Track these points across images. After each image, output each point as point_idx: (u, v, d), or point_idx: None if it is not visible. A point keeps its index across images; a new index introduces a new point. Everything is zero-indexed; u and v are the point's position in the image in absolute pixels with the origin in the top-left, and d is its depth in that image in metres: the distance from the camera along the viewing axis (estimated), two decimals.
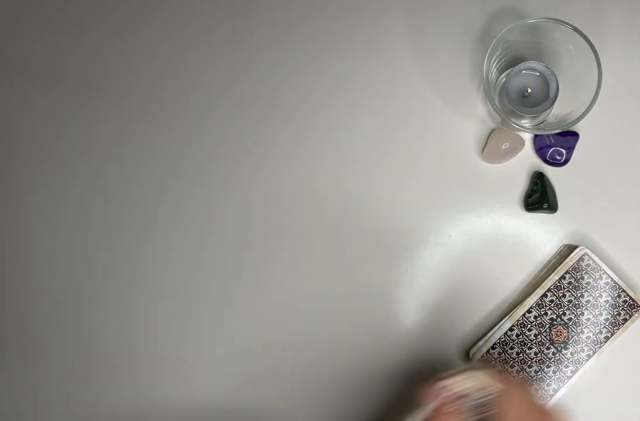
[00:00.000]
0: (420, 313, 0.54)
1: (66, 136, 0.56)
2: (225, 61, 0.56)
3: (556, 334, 0.51)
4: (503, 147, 0.53)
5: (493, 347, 0.51)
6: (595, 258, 0.51)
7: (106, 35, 0.56)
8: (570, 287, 0.51)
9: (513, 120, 0.49)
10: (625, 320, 0.51)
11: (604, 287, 0.51)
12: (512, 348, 0.51)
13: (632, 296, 0.51)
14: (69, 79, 0.56)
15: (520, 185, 0.54)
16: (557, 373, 0.51)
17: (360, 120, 0.55)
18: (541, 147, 0.54)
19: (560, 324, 0.51)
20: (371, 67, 0.55)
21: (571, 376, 0.51)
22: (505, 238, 0.54)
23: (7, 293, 0.56)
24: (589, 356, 0.51)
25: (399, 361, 0.54)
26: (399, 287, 0.54)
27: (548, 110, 0.52)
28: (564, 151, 0.54)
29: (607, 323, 0.51)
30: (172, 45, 0.56)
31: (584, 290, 0.51)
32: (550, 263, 0.53)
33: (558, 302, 0.51)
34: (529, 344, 0.51)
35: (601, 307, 0.51)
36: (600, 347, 0.51)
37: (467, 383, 0.43)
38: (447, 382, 0.43)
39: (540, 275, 0.53)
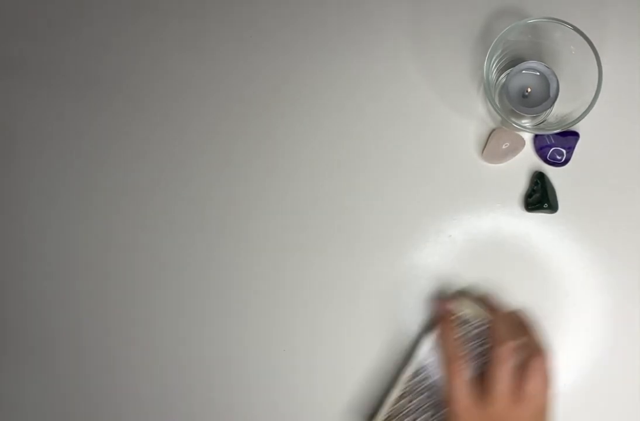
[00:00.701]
0: (420, 313, 0.54)
1: (66, 135, 0.56)
2: (224, 61, 0.56)
3: None
4: (503, 147, 0.53)
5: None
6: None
7: (107, 35, 0.56)
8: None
9: (513, 120, 0.49)
10: None
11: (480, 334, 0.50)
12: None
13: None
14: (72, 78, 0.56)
15: (521, 185, 0.54)
16: None
17: (359, 120, 0.55)
18: (541, 147, 0.54)
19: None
20: (371, 67, 0.55)
21: None
22: (505, 238, 0.54)
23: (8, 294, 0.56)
24: None
25: (398, 362, 0.54)
26: (399, 287, 0.54)
27: (548, 110, 0.52)
28: (564, 151, 0.54)
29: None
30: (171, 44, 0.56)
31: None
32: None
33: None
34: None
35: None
36: None
37: (466, 309, 0.50)
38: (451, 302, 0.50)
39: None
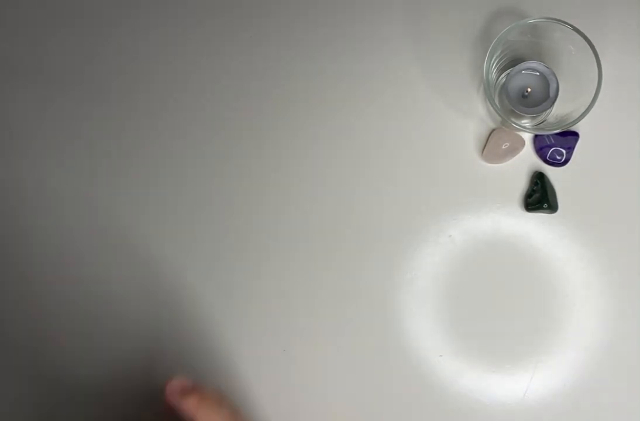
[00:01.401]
0: (419, 313, 0.54)
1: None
2: (223, 60, 0.56)
3: None
4: (503, 147, 0.53)
5: None
6: None
7: (110, 35, 0.57)
8: None
9: (513, 120, 0.49)
10: None
11: None
12: None
13: None
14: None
15: (520, 185, 0.54)
16: None
17: (359, 120, 0.55)
18: (541, 147, 0.54)
19: None
20: (370, 68, 0.55)
21: None
22: (505, 238, 0.54)
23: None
24: None
25: (397, 362, 0.54)
26: (399, 287, 0.54)
27: (548, 110, 0.52)
28: (564, 151, 0.54)
29: None
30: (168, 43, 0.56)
31: None
32: None
33: None
34: None
35: None
36: None
37: None
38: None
39: None
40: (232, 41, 0.56)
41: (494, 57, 0.49)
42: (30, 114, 0.56)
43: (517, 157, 0.54)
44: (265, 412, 0.54)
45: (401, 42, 0.55)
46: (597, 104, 0.47)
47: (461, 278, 0.54)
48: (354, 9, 0.56)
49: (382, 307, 0.54)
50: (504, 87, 0.52)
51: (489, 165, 0.54)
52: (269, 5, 0.56)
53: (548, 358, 0.53)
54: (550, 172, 0.54)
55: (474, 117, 0.54)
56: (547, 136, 0.53)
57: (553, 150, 0.54)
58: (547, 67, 0.51)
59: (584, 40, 0.47)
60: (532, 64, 0.51)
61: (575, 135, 0.54)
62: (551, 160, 0.54)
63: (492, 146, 0.53)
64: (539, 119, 0.53)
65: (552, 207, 0.53)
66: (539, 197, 0.53)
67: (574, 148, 0.54)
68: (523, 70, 0.51)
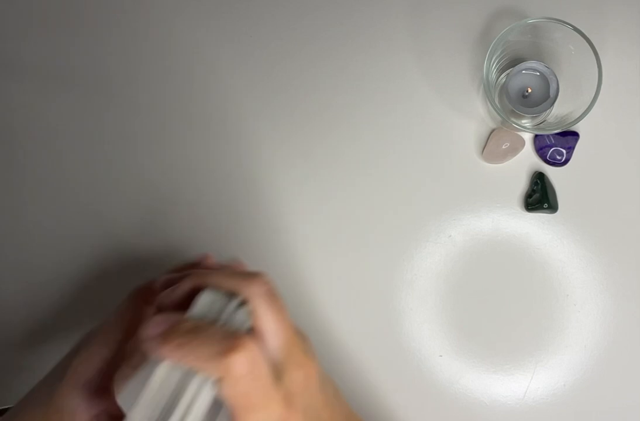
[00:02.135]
0: (419, 313, 0.54)
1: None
2: (222, 60, 0.56)
3: None
4: (503, 147, 0.53)
5: None
6: None
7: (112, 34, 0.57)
8: None
9: (513, 120, 0.49)
10: None
11: None
12: None
13: None
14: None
15: (520, 185, 0.54)
16: None
17: (359, 120, 0.55)
18: (541, 147, 0.54)
19: None
20: (370, 68, 0.55)
21: None
22: (505, 238, 0.54)
23: None
24: None
25: (397, 362, 0.54)
26: (399, 287, 0.54)
27: (548, 110, 0.52)
28: (564, 151, 0.54)
29: None
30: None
31: None
32: None
33: None
34: None
35: None
36: None
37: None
38: None
39: None
40: (232, 42, 0.56)
41: (494, 57, 0.49)
42: None
43: (517, 157, 0.54)
44: None
45: (401, 42, 0.55)
46: (597, 104, 0.47)
47: (461, 278, 0.54)
48: (355, 8, 0.56)
49: (382, 307, 0.54)
50: (504, 87, 0.52)
51: (489, 165, 0.54)
52: (268, 5, 0.56)
53: (548, 358, 0.53)
54: (550, 172, 0.54)
55: (474, 117, 0.54)
56: (547, 136, 0.53)
57: (553, 150, 0.54)
58: (547, 67, 0.51)
59: (584, 40, 0.47)
60: (532, 64, 0.51)
61: (575, 135, 0.54)
62: (551, 160, 0.54)
63: (492, 146, 0.53)
64: (539, 119, 0.53)
65: (552, 207, 0.53)
66: (539, 197, 0.53)
67: (574, 148, 0.54)
68: (523, 70, 0.51)
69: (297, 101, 0.56)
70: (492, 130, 0.54)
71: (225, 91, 0.56)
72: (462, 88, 0.55)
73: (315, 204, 0.55)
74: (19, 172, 0.56)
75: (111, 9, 0.57)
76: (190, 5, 0.56)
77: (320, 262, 0.55)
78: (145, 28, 0.57)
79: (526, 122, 0.53)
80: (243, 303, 0.34)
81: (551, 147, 0.53)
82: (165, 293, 0.35)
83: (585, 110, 0.47)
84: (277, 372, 0.33)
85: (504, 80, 0.52)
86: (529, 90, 0.51)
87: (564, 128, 0.48)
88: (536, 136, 0.54)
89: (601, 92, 0.47)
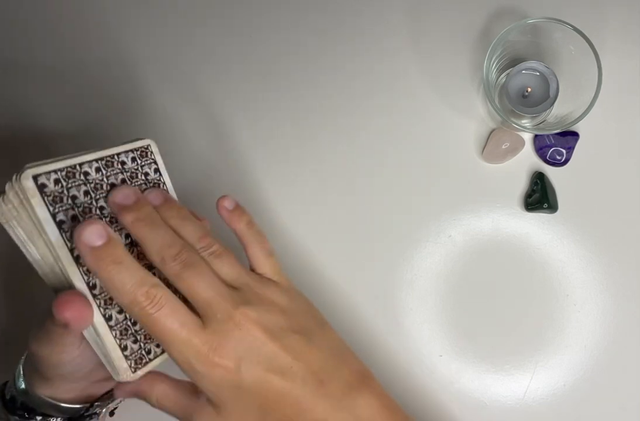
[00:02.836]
0: (419, 313, 0.54)
1: None
2: (222, 60, 0.56)
3: None
4: (503, 147, 0.53)
5: None
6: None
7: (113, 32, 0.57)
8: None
9: (513, 120, 0.49)
10: None
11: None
12: None
13: None
14: None
15: (520, 185, 0.54)
16: None
17: (358, 120, 0.55)
18: (541, 147, 0.54)
19: None
20: (370, 68, 0.55)
21: None
22: (505, 238, 0.54)
23: None
24: None
25: (397, 362, 0.54)
26: (399, 287, 0.54)
27: (548, 110, 0.52)
28: (564, 151, 0.54)
29: None
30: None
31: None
32: None
33: None
34: None
35: None
36: None
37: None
38: None
39: None
40: (231, 42, 0.56)
41: (494, 57, 0.49)
42: None
43: (517, 157, 0.54)
44: None
45: (401, 42, 0.55)
46: (597, 104, 0.47)
47: (461, 278, 0.54)
48: (354, 8, 0.56)
49: (382, 307, 0.54)
50: (504, 87, 0.52)
51: (489, 165, 0.54)
52: (268, 5, 0.56)
53: (548, 358, 0.53)
54: (550, 172, 0.54)
55: (474, 117, 0.54)
56: (547, 136, 0.53)
57: (553, 150, 0.54)
58: (547, 67, 0.51)
59: (584, 40, 0.47)
60: (532, 64, 0.51)
61: (575, 135, 0.54)
62: (551, 160, 0.54)
63: (492, 146, 0.53)
64: (539, 119, 0.53)
65: (552, 207, 0.53)
66: (539, 197, 0.53)
67: (574, 148, 0.54)
68: (523, 70, 0.51)
69: (297, 100, 0.56)
70: (492, 130, 0.54)
71: (224, 91, 0.56)
72: (462, 88, 0.55)
73: (315, 205, 0.55)
74: None
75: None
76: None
77: (320, 262, 0.55)
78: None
79: (526, 122, 0.53)
80: None
81: (551, 147, 0.53)
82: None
83: (585, 110, 0.47)
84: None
85: (504, 80, 0.52)
86: (529, 90, 0.51)
87: (564, 128, 0.48)
88: (536, 136, 0.54)
89: (601, 92, 0.47)
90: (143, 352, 0.36)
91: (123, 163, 0.37)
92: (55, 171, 0.34)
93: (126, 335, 0.35)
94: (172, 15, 0.57)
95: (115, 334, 0.35)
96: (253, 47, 0.56)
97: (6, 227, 0.34)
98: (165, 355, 0.37)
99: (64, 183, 0.34)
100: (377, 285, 0.54)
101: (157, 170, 0.39)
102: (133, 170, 0.38)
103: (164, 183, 0.40)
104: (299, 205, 0.55)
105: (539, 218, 0.54)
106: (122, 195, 0.35)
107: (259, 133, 0.56)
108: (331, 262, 0.54)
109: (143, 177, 0.38)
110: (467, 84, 0.55)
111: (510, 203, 0.54)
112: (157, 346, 0.37)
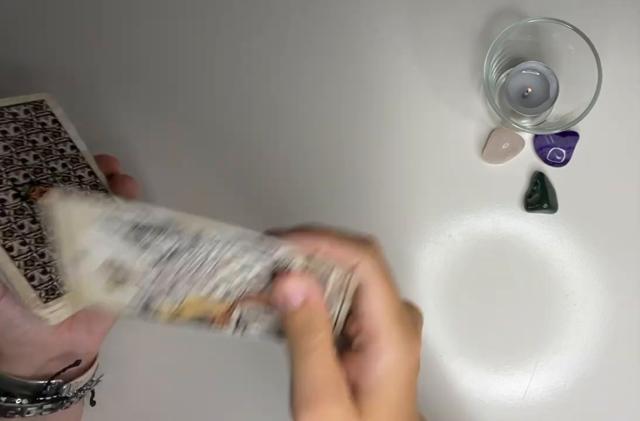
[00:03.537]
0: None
1: None
2: (221, 60, 0.56)
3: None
4: (503, 147, 0.53)
5: None
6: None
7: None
8: None
9: (513, 120, 0.49)
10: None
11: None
12: None
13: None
14: None
15: (520, 185, 0.54)
16: None
17: (358, 120, 0.55)
18: (541, 147, 0.54)
19: None
20: (370, 67, 0.55)
21: None
22: (505, 238, 0.54)
23: None
24: None
25: None
26: (399, 287, 0.54)
27: (548, 110, 0.52)
28: (564, 151, 0.54)
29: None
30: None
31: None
32: None
33: None
34: None
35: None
36: None
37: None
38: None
39: None
40: (231, 43, 0.56)
41: (494, 57, 0.49)
42: None
43: (517, 157, 0.54)
44: None
45: (401, 42, 0.55)
46: (597, 104, 0.47)
47: (461, 278, 0.54)
48: (354, 8, 0.56)
49: None
50: (504, 87, 0.52)
51: (489, 165, 0.54)
52: (268, 5, 0.56)
53: (548, 358, 0.53)
54: (550, 172, 0.54)
55: (474, 117, 0.54)
56: (547, 136, 0.53)
57: (553, 150, 0.54)
58: (547, 67, 0.51)
59: (584, 40, 0.47)
60: (532, 64, 0.51)
61: (575, 135, 0.54)
62: (551, 160, 0.54)
63: (492, 146, 0.53)
64: (539, 119, 0.53)
65: (552, 207, 0.53)
66: (539, 197, 0.53)
67: (574, 148, 0.54)
68: (523, 70, 0.51)
69: (297, 101, 0.56)
70: (492, 130, 0.54)
71: (222, 90, 0.56)
72: (462, 88, 0.55)
73: (315, 203, 0.55)
74: None
75: None
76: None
77: None
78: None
79: (526, 122, 0.53)
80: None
81: (551, 147, 0.53)
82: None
83: (585, 110, 0.47)
84: None
85: (503, 80, 0.52)
86: (529, 90, 0.51)
87: (564, 129, 0.48)
88: (536, 136, 0.54)
89: (601, 92, 0.47)
90: (55, 283, 0.36)
91: (15, 114, 0.39)
92: None
93: (32, 265, 0.35)
94: None
95: (19, 264, 0.35)
96: (254, 45, 0.56)
97: None
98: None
99: None
100: None
101: (55, 121, 0.41)
102: (27, 120, 0.40)
103: (65, 131, 0.41)
104: (297, 204, 0.55)
105: (539, 218, 0.54)
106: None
107: (252, 133, 0.56)
108: None
109: (39, 126, 0.40)
110: (467, 84, 0.55)
111: (510, 203, 0.54)
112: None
